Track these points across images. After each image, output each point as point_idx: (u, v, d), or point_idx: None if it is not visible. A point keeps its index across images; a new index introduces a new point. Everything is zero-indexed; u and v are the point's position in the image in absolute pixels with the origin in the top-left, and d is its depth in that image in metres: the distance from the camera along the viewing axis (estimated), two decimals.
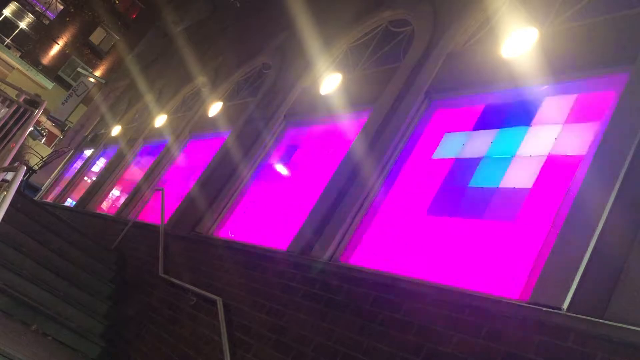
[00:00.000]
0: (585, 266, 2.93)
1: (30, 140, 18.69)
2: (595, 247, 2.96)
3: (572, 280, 2.91)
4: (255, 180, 6.76)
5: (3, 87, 9.65)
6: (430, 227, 4.13)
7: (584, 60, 4.03)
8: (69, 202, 12.63)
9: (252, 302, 4.79)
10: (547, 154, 3.82)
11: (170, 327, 5.50)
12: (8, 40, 29.11)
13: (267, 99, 7.77)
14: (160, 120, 11.03)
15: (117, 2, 29.11)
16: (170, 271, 6.22)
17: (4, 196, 4.23)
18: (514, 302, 3.09)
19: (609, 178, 3.15)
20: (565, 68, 4.10)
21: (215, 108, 9.17)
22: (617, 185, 3.10)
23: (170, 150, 9.61)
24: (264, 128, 7.13)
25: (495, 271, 3.52)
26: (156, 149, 10.45)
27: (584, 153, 3.57)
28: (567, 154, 3.69)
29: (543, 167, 3.77)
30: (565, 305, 2.85)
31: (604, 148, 3.35)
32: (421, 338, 3.31)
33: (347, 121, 5.98)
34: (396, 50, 6.23)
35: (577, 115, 3.87)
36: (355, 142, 5.31)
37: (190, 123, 9.66)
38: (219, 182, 7.03)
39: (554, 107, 4.08)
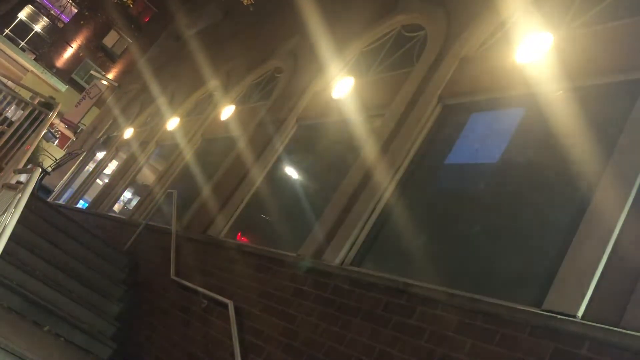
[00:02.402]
0: (601, 273, 2.89)
1: (44, 142, 18.80)
2: (611, 254, 2.92)
3: (588, 287, 2.87)
4: (266, 184, 6.76)
5: (18, 89, 9.75)
6: (442, 233, 4.11)
7: (600, 65, 4.00)
8: (81, 203, 12.72)
9: (263, 306, 4.79)
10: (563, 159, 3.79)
11: (182, 330, 5.51)
12: (23, 43, 29.43)
13: (279, 102, 7.78)
14: (172, 123, 11.09)
15: (130, 5, 29.33)
16: (181, 274, 6.24)
17: (19, 198, 4.25)
18: (527, 309, 3.05)
19: (626, 183, 3.11)
20: (580, 73, 4.07)
21: (227, 111, 9.20)
22: (634, 191, 3.06)
23: (182, 153, 9.64)
24: (275, 132, 7.14)
25: (508, 277, 3.49)
26: (168, 152, 10.49)
27: (601, 157, 3.53)
28: (584, 159, 3.65)
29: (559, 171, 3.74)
30: (580, 313, 2.82)
31: (620, 153, 3.32)
32: (433, 344, 3.29)
33: (359, 125, 5.97)
34: (409, 55, 6.21)
35: (592, 120, 3.83)
36: (367, 147, 5.30)
37: (202, 126, 9.70)
38: (230, 185, 7.04)
39: (568, 112, 4.04)
